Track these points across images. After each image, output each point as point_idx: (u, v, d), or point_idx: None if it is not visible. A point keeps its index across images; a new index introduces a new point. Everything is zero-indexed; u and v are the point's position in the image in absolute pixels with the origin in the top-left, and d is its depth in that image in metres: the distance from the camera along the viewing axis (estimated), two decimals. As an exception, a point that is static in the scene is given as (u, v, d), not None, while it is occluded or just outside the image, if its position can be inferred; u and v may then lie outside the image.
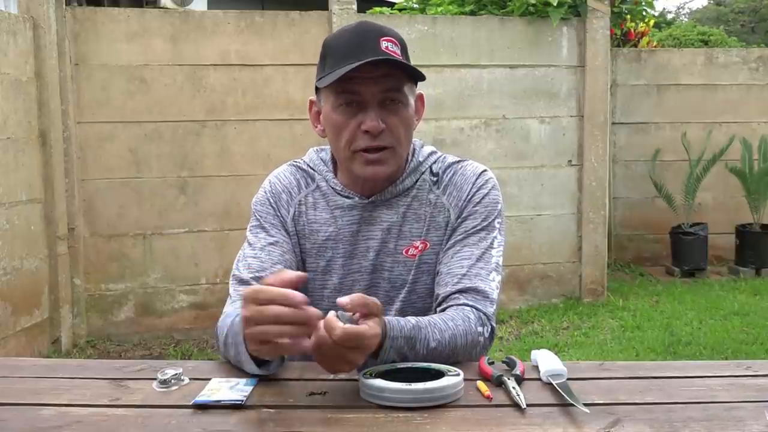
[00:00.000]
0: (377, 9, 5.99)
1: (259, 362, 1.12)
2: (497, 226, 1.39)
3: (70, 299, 4.18)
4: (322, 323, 1.01)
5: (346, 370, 1.07)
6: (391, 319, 1.16)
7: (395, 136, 1.33)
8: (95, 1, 6.09)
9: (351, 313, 1.02)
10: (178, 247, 4.40)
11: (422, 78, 1.34)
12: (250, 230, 1.42)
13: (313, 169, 1.46)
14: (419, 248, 1.38)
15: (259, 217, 1.42)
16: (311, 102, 1.42)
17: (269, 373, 1.14)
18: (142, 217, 4.34)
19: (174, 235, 4.39)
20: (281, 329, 0.99)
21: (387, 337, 1.12)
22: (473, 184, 1.40)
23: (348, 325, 1.00)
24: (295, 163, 1.48)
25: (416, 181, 1.42)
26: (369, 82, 1.29)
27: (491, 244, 1.37)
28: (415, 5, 5.94)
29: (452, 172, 1.43)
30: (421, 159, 1.44)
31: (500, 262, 1.37)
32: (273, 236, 1.39)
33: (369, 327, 1.03)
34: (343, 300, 1.03)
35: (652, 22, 6.92)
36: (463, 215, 1.38)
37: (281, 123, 4.45)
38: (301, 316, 0.99)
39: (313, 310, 1.00)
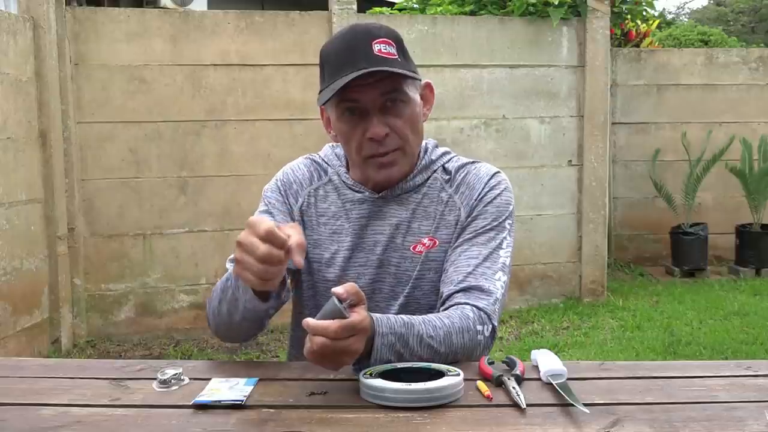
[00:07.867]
0: (377, 9, 5.99)
1: (261, 298, 1.20)
2: (507, 227, 1.39)
3: (70, 299, 4.18)
4: (312, 330, 1.04)
5: (348, 362, 1.09)
6: (380, 316, 1.15)
7: (402, 137, 1.35)
8: (95, 1, 6.09)
9: (347, 300, 1.05)
10: (178, 247, 4.40)
11: (417, 80, 1.36)
12: (257, 214, 1.43)
13: (327, 163, 1.48)
14: (427, 245, 1.39)
15: (267, 203, 1.46)
16: (322, 109, 1.43)
17: (275, 305, 1.22)
18: (142, 217, 4.34)
19: (174, 235, 4.39)
20: (253, 241, 1.07)
21: (377, 334, 1.12)
22: (486, 184, 1.41)
23: (344, 320, 1.03)
24: (310, 156, 1.52)
25: (427, 179, 1.43)
26: (367, 89, 1.30)
27: (500, 244, 1.37)
28: (415, 5, 5.93)
29: (465, 171, 1.43)
30: (433, 158, 1.45)
31: (507, 263, 1.37)
32: (278, 222, 1.39)
33: (358, 314, 1.06)
34: (338, 290, 1.06)
35: (655, 24, 6.91)
36: (474, 214, 1.38)
37: (281, 123, 4.45)
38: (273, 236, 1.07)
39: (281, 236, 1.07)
